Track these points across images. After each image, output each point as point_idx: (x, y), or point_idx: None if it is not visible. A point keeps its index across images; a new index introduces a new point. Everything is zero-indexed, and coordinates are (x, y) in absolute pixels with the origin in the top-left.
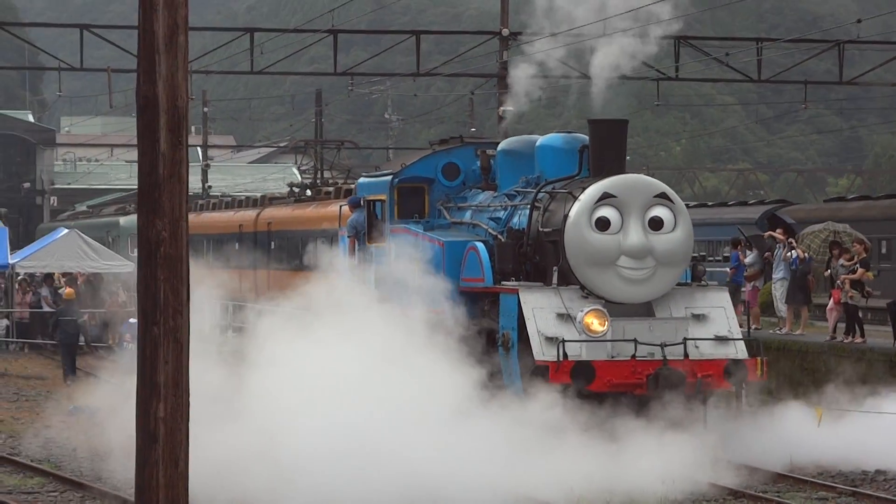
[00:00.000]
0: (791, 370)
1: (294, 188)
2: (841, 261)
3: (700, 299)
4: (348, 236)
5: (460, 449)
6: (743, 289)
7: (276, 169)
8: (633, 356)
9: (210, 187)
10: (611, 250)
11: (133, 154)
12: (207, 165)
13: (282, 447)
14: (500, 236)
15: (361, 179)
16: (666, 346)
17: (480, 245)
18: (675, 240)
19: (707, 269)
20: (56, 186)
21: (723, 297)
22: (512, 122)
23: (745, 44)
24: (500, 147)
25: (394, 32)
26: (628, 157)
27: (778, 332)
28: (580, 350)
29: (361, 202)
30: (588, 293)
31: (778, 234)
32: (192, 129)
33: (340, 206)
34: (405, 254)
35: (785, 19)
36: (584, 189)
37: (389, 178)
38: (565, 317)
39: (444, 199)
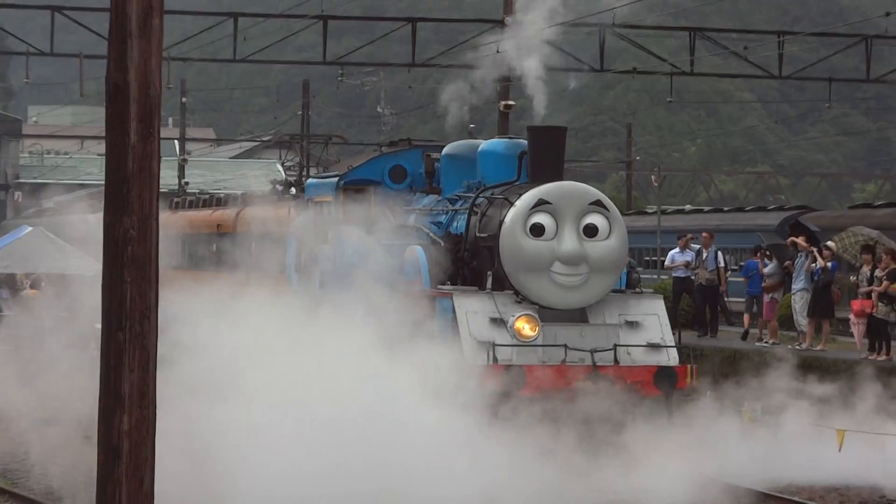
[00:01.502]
0: (811, 389)
1: (277, 186)
2: (877, 271)
3: (634, 306)
4: (295, 237)
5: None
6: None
7: (259, 165)
8: (563, 361)
9: (187, 184)
10: (545, 256)
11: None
12: (185, 160)
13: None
14: (439, 240)
15: (309, 181)
16: (596, 352)
17: (419, 249)
18: (609, 247)
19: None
20: (21, 181)
21: (657, 305)
22: (514, 118)
23: (766, 37)
24: (444, 151)
25: (389, 20)
26: (637, 157)
27: (797, 347)
28: (511, 354)
29: (308, 203)
30: (522, 298)
31: (801, 241)
32: (169, 120)
33: (289, 208)
34: (349, 255)
35: (809, 12)
36: (521, 195)
37: (335, 179)
38: (498, 321)
39: (389, 201)
